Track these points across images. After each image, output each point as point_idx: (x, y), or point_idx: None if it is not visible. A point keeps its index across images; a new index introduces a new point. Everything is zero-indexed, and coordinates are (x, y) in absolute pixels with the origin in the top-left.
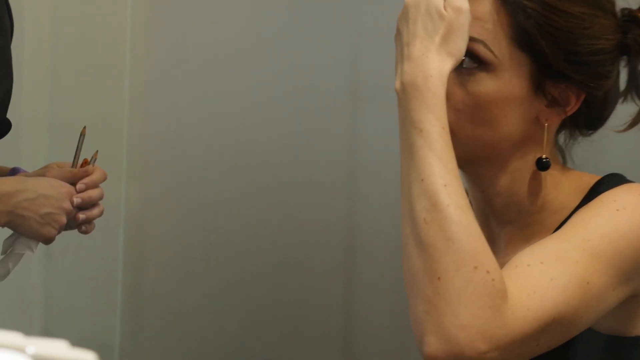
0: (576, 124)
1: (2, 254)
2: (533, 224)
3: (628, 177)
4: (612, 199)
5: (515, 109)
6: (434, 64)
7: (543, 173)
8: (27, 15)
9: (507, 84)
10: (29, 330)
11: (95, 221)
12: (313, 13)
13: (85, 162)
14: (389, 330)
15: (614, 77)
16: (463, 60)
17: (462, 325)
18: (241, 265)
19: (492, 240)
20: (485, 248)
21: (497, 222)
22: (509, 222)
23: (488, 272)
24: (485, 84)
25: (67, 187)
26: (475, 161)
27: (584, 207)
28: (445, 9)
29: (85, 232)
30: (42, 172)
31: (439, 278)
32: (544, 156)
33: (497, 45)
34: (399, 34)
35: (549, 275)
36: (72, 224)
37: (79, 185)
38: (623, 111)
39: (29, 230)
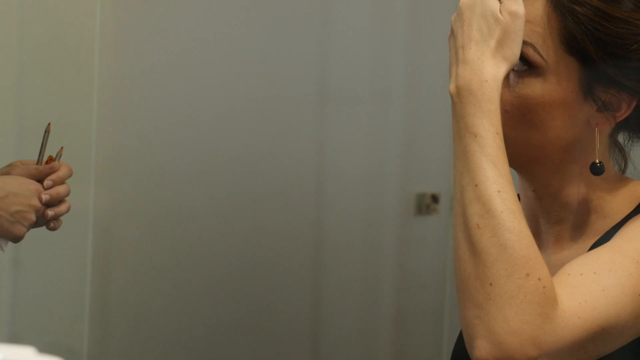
0: (632, 129)
1: None
2: (582, 225)
3: None
4: None
5: (564, 113)
6: (489, 69)
7: (597, 178)
8: None
9: (555, 87)
10: None
11: (63, 226)
12: (282, 19)
13: (51, 159)
14: (355, 332)
15: None
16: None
17: (513, 331)
18: (209, 269)
19: (540, 238)
20: (537, 255)
21: (546, 220)
22: (558, 221)
23: (539, 279)
24: (534, 87)
25: (34, 185)
26: (525, 162)
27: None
28: (501, 12)
29: (54, 229)
30: (6, 171)
31: (490, 284)
32: (597, 161)
33: (547, 49)
34: (453, 36)
35: (601, 286)
36: (41, 221)
37: (46, 182)
38: None
39: None
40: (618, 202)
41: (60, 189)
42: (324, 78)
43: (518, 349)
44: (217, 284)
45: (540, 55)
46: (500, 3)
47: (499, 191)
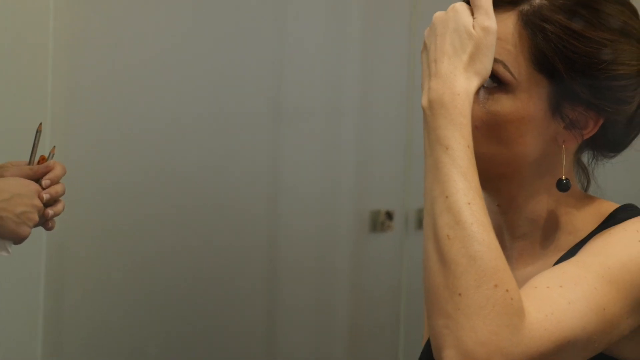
0: (597, 147)
1: None
2: (547, 241)
3: None
4: (636, 229)
5: (532, 130)
6: (461, 83)
7: (562, 194)
8: None
9: (524, 104)
10: None
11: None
12: (235, 34)
13: (43, 159)
14: (311, 349)
15: (635, 103)
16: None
17: (481, 342)
18: (163, 286)
19: (504, 252)
20: (505, 267)
21: (510, 235)
22: (522, 236)
23: (507, 290)
24: (503, 104)
25: (33, 185)
26: (492, 178)
27: (605, 232)
28: (474, 27)
29: (51, 229)
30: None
31: (459, 294)
32: (563, 178)
33: (517, 66)
34: (426, 49)
35: (567, 299)
36: (41, 220)
37: (44, 181)
38: None
39: (6, 230)
40: (583, 219)
41: (57, 188)
42: (277, 94)
43: (485, 359)
44: (171, 302)
45: (510, 73)
46: (474, 18)
47: (469, 203)
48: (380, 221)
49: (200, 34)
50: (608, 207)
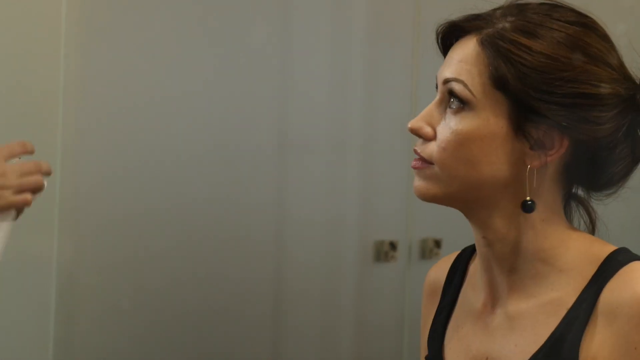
0: (581, 179)
1: None
2: (537, 276)
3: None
4: None
5: (497, 149)
6: None
7: (544, 225)
8: None
9: (485, 122)
10: None
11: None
12: (243, 69)
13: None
14: None
15: (608, 127)
16: (451, 101)
17: None
18: (171, 316)
19: (494, 287)
20: None
21: (499, 269)
22: (510, 270)
23: None
24: (466, 123)
25: None
26: (468, 204)
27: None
28: None
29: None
30: None
31: None
32: (528, 198)
33: (475, 85)
34: None
35: None
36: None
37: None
38: None
39: None
40: (572, 256)
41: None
42: (284, 128)
43: None
44: (179, 331)
45: (470, 91)
46: None
47: None
48: (384, 251)
49: (208, 69)
50: (600, 246)
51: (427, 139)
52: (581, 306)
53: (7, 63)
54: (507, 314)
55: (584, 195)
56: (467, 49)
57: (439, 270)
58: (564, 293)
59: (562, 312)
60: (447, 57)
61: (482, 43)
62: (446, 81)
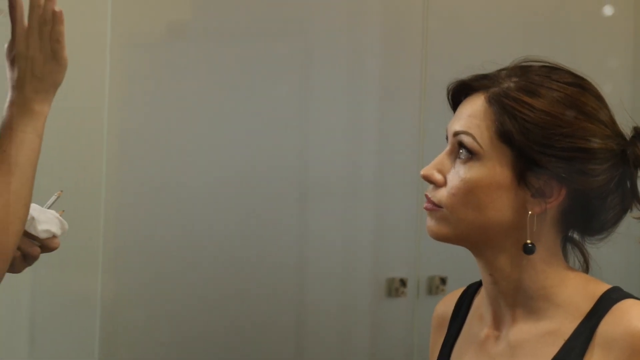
0: (578, 224)
1: None
2: (538, 311)
3: None
4: None
5: (501, 196)
6: None
7: (544, 265)
8: None
9: (491, 171)
10: None
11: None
12: (267, 123)
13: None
14: None
15: (601, 178)
16: (461, 152)
17: None
18: (208, 349)
19: (499, 319)
20: None
21: (505, 303)
22: (515, 304)
23: None
24: (473, 171)
25: None
26: (474, 243)
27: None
28: None
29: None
30: None
31: None
32: (528, 241)
33: (483, 138)
34: None
35: None
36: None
37: None
38: None
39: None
40: (570, 293)
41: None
42: (303, 176)
43: None
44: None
45: (478, 144)
46: None
47: None
48: (395, 287)
49: (236, 122)
50: (596, 285)
51: (438, 185)
52: (578, 338)
53: (58, 114)
54: (509, 343)
55: (579, 239)
56: (475, 105)
57: (446, 304)
58: (562, 326)
59: (560, 343)
60: (457, 111)
61: (490, 100)
62: (456, 133)
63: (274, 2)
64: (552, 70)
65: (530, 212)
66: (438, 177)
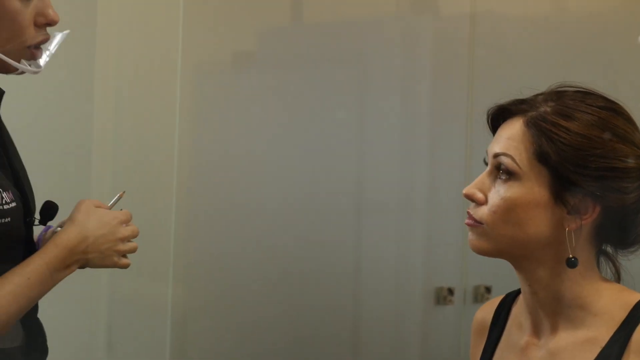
0: (612, 238)
1: None
2: (576, 319)
3: None
4: None
5: (539, 213)
6: None
7: (580, 277)
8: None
9: (530, 191)
10: None
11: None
12: (326, 143)
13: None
14: None
15: (633, 195)
16: (501, 172)
17: None
18: (270, 348)
19: (538, 327)
20: None
21: (543, 312)
22: (553, 313)
23: None
24: (513, 191)
25: (114, 220)
26: (515, 257)
27: None
28: None
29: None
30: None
31: None
32: (571, 256)
33: (522, 159)
34: None
35: None
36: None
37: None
38: None
39: (98, 265)
40: (605, 302)
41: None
42: (360, 194)
43: None
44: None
45: (517, 164)
46: None
47: None
48: (443, 296)
49: (299, 145)
50: (629, 295)
51: (479, 203)
52: (614, 345)
53: (134, 137)
54: (548, 351)
55: (612, 252)
56: (514, 128)
57: (486, 311)
58: (598, 333)
59: (597, 350)
60: (497, 134)
61: (528, 124)
62: (496, 155)
63: (333, 33)
64: (586, 95)
65: (567, 229)
66: (479, 195)
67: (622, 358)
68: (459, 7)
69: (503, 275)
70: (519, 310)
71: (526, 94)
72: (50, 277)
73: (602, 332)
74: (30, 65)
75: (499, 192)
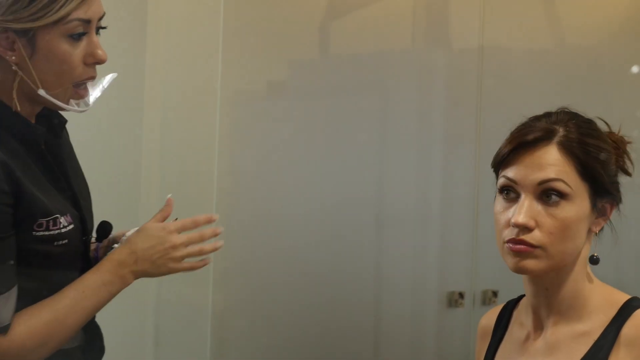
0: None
1: None
2: (573, 315)
3: None
4: None
5: (584, 224)
6: None
7: (582, 276)
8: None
9: (580, 207)
10: None
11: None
12: (349, 162)
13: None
14: None
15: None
16: (550, 196)
17: None
18: (301, 352)
19: (540, 322)
20: None
21: (548, 311)
22: (557, 311)
23: None
24: (567, 210)
25: (162, 231)
26: (560, 268)
27: None
28: None
29: (201, 265)
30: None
31: None
32: (595, 254)
33: (571, 180)
34: None
35: None
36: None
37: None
38: None
39: (156, 274)
40: (598, 301)
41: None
42: (379, 207)
43: None
44: None
45: (569, 186)
46: None
47: None
48: (454, 299)
49: (325, 164)
50: (618, 295)
51: (532, 228)
52: (606, 338)
53: (177, 156)
54: (547, 342)
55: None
56: (551, 155)
57: (489, 318)
58: (592, 329)
59: (590, 342)
60: (529, 162)
61: (565, 147)
62: (544, 182)
63: (357, 65)
64: (576, 116)
65: (595, 231)
66: (532, 223)
67: (612, 349)
68: (469, 42)
69: (508, 280)
70: (520, 312)
71: (535, 111)
72: (105, 289)
73: (595, 327)
74: (78, 105)
75: (553, 215)
